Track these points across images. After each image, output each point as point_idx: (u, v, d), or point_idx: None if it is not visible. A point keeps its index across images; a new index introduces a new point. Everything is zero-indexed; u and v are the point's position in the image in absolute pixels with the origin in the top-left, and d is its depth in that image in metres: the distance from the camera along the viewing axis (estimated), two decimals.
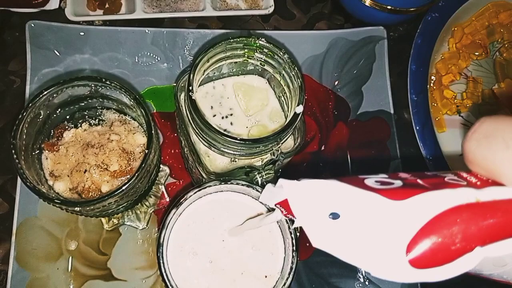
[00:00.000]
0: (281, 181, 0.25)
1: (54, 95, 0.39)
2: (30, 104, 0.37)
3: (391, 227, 0.20)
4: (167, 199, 0.55)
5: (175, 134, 0.57)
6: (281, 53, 0.41)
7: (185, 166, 0.56)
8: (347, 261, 0.22)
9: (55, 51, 0.56)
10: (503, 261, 0.24)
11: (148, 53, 0.58)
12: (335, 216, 0.21)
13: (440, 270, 0.20)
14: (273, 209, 0.30)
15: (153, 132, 0.38)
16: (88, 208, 0.37)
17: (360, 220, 0.21)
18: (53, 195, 0.38)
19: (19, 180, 0.51)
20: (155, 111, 0.58)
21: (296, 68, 0.41)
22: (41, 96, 0.38)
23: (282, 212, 0.27)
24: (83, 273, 0.51)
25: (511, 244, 0.20)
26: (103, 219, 0.52)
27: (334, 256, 0.52)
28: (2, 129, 0.56)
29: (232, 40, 0.41)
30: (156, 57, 0.58)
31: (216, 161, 0.43)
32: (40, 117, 0.40)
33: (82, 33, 0.57)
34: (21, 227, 0.51)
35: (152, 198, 0.54)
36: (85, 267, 0.52)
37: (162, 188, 0.55)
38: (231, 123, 0.48)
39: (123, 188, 0.36)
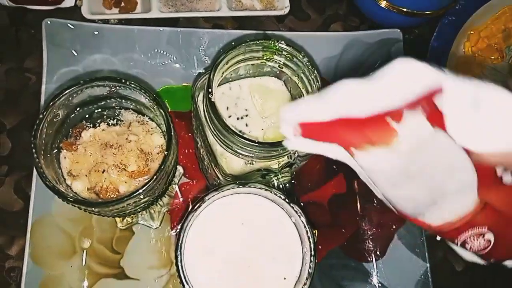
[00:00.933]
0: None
1: (74, 95, 0.39)
2: (51, 104, 0.37)
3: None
4: (181, 199, 0.55)
5: (190, 134, 0.57)
6: (301, 56, 0.41)
7: (199, 166, 0.56)
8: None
9: (72, 49, 0.56)
10: (434, 201, 0.28)
11: (164, 52, 0.58)
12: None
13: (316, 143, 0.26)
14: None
15: (172, 134, 0.38)
16: (106, 209, 0.37)
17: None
18: (72, 195, 0.38)
19: (34, 177, 0.51)
20: (169, 110, 0.58)
21: (315, 72, 0.41)
22: (61, 96, 0.38)
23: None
24: (96, 271, 0.52)
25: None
26: (117, 218, 0.52)
27: (346, 259, 0.53)
28: (16, 127, 0.56)
29: (251, 43, 0.41)
30: (171, 56, 0.58)
31: (233, 163, 0.43)
32: (59, 116, 0.40)
33: (97, 32, 0.57)
34: (36, 225, 0.51)
35: (165, 198, 0.54)
36: (98, 265, 0.52)
37: (176, 188, 0.55)
38: (246, 124, 0.47)
39: (143, 189, 0.36)
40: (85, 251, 0.52)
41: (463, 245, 0.29)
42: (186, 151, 0.57)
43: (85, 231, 0.53)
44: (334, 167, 0.59)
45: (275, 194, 0.39)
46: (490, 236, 0.29)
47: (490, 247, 0.29)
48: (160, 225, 0.53)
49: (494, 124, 0.24)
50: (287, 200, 0.38)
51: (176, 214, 0.55)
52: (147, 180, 0.38)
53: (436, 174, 0.28)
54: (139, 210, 0.42)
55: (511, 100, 0.24)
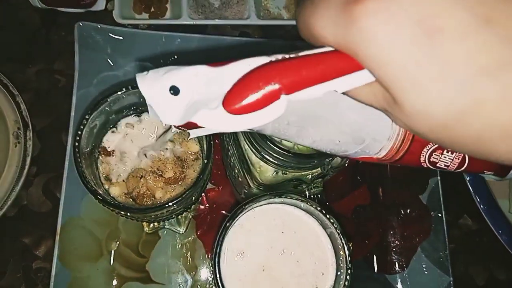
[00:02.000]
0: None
1: (116, 101, 0.39)
2: (95, 108, 0.38)
3: (214, 88, 0.24)
4: (206, 205, 0.56)
5: (216, 141, 0.57)
6: None
7: (225, 174, 0.56)
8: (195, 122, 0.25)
9: (103, 52, 0.57)
10: (361, 138, 0.27)
11: (192, 59, 0.59)
12: (175, 91, 0.24)
13: (255, 116, 0.23)
14: None
15: (212, 142, 0.38)
16: (145, 215, 0.38)
17: (192, 89, 0.24)
18: (110, 200, 0.39)
19: (64, 179, 0.52)
20: None
21: None
22: (106, 100, 0.38)
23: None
24: (122, 275, 0.52)
25: (311, 91, 0.23)
26: (144, 222, 0.53)
27: (369, 271, 0.52)
28: (46, 128, 0.57)
29: None
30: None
31: (266, 172, 0.44)
32: (99, 121, 0.40)
33: (125, 37, 0.58)
34: (65, 227, 0.51)
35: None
36: (124, 268, 0.52)
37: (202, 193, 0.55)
38: None
39: (183, 196, 0.37)
40: (112, 254, 0.52)
41: (434, 165, 0.29)
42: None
43: (112, 234, 0.53)
44: (358, 178, 0.59)
45: (311, 205, 0.39)
46: None
47: (462, 158, 0.28)
48: (186, 230, 0.54)
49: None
50: (323, 211, 0.39)
51: (202, 220, 0.55)
52: (185, 188, 0.38)
53: (335, 120, 0.27)
54: (173, 216, 0.42)
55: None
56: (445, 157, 0.28)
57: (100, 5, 0.62)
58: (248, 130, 0.28)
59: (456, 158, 0.28)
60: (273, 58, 0.23)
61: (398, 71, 0.19)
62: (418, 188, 0.58)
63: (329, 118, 0.26)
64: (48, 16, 0.62)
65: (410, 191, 0.58)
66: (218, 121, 0.24)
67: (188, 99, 0.24)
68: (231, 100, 0.23)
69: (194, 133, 0.30)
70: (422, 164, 0.29)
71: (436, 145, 0.28)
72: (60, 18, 0.62)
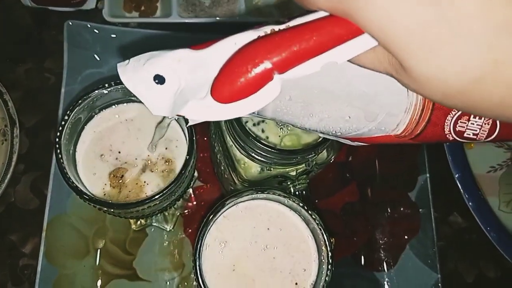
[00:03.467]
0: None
1: (99, 97, 0.39)
2: (76, 105, 0.38)
3: (201, 73, 0.22)
4: (194, 202, 0.56)
5: (205, 138, 0.57)
6: None
7: (214, 171, 0.56)
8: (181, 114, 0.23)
9: (92, 51, 0.57)
10: (374, 113, 0.25)
11: None
12: (160, 80, 0.22)
13: (248, 101, 0.21)
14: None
15: (194, 138, 0.38)
16: (126, 211, 0.38)
17: (178, 76, 0.22)
18: (91, 196, 0.39)
19: (51, 177, 0.52)
20: None
21: None
22: (86, 97, 0.38)
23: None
24: (109, 272, 0.52)
25: (307, 67, 0.20)
26: (131, 219, 0.53)
27: (358, 268, 0.51)
28: (35, 126, 0.57)
29: None
30: None
31: (251, 169, 0.44)
32: (81, 119, 0.40)
33: (115, 35, 0.58)
34: (51, 224, 0.51)
35: (180, 201, 0.54)
36: (111, 265, 0.52)
37: (190, 191, 0.56)
38: (263, 130, 0.48)
39: (163, 193, 0.37)
40: (98, 251, 0.52)
41: (461, 136, 0.25)
42: (201, 154, 0.57)
43: (99, 231, 0.53)
44: (348, 175, 0.59)
45: (293, 201, 0.39)
46: None
47: (492, 122, 0.25)
48: (173, 227, 0.54)
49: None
50: (305, 207, 0.39)
51: (189, 217, 0.55)
52: (167, 184, 0.38)
53: (341, 90, 0.24)
54: (156, 212, 0.42)
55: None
56: (472, 123, 0.25)
57: (90, 4, 0.62)
58: (248, 115, 0.26)
59: (485, 124, 0.25)
60: (261, 32, 0.21)
61: (403, 33, 0.17)
62: (407, 185, 0.58)
63: (335, 90, 0.24)
64: (39, 15, 0.62)
65: (399, 188, 0.58)
66: (209, 112, 0.22)
67: (175, 87, 0.22)
68: (219, 88, 0.21)
69: (192, 120, 0.28)
70: (448, 136, 0.26)
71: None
72: (51, 17, 0.62)
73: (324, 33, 0.20)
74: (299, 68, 0.20)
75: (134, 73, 0.23)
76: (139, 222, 0.53)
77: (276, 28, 0.21)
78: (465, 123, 0.25)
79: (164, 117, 0.37)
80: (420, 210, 0.56)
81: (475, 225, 0.55)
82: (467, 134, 0.25)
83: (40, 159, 0.55)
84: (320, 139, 0.41)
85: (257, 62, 0.20)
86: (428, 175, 0.58)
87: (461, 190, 0.55)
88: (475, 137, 0.25)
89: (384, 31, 0.17)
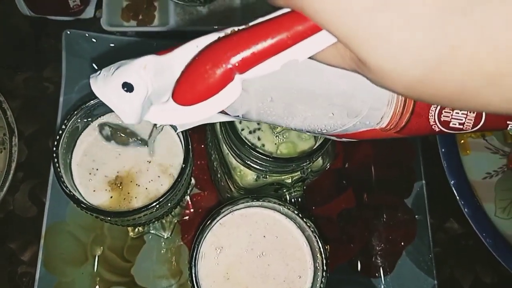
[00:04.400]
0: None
1: (96, 106, 0.40)
2: (73, 115, 0.38)
3: (166, 78, 0.22)
4: (191, 210, 0.56)
5: (202, 146, 0.58)
6: None
7: (211, 178, 0.57)
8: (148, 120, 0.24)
9: (90, 60, 0.58)
10: (357, 109, 0.24)
11: None
12: (129, 88, 0.22)
13: (210, 103, 0.21)
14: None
15: (190, 147, 0.39)
16: (123, 219, 0.38)
17: (146, 83, 0.22)
18: (88, 204, 0.39)
19: (49, 185, 0.52)
20: None
21: None
22: (83, 107, 0.39)
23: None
24: (107, 279, 0.52)
25: (267, 65, 0.20)
26: (128, 227, 0.53)
27: (354, 275, 0.50)
28: (33, 134, 0.58)
29: None
30: None
31: (247, 177, 0.44)
32: (79, 128, 0.41)
33: (114, 44, 0.58)
34: (49, 231, 0.52)
35: (177, 208, 0.54)
36: (109, 273, 0.52)
37: (187, 198, 0.56)
38: (259, 138, 0.48)
39: (160, 201, 0.37)
40: (96, 259, 0.52)
41: (447, 126, 0.25)
42: (199, 162, 0.58)
43: (97, 238, 0.53)
44: (344, 182, 0.59)
45: (288, 209, 0.39)
46: None
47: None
48: (171, 235, 0.54)
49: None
50: (300, 215, 0.39)
51: (187, 225, 0.55)
52: (163, 192, 0.39)
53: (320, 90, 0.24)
54: (153, 220, 0.43)
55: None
56: (457, 112, 0.24)
57: (89, 13, 0.63)
58: (234, 118, 0.26)
59: (470, 112, 0.24)
60: (221, 33, 0.21)
61: (351, 20, 0.16)
62: (403, 191, 0.58)
63: (315, 90, 0.24)
64: (38, 24, 0.63)
65: (395, 194, 0.58)
66: (171, 115, 0.22)
67: (143, 94, 0.22)
68: (180, 91, 0.21)
69: (181, 126, 0.28)
70: (434, 127, 0.25)
71: None
72: (49, 26, 0.63)
73: (283, 30, 0.19)
74: (260, 67, 0.20)
75: (104, 83, 0.23)
76: (136, 230, 0.53)
77: (237, 28, 0.20)
78: (449, 112, 0.24)
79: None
80: (416, 216, 0.57)
81: (472, 231, 0.55)
82: (452, 124, 0.24)
83: (38, 167, 0.56)
84: (315, 146, 0.42)
85: (216, 63, 0.20)
86: (424, 181, 0.58)
87: (457, 196, 0.55)
88: (461, 126, 0.25)
89: (333, 21, 0.17)
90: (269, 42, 0.19)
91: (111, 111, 0.42)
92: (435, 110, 0.24)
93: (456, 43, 0.15)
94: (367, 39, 0.16)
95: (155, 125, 0.39)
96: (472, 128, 0.25)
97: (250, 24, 0.20)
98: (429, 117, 0.24)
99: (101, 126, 0.40)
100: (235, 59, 0.20)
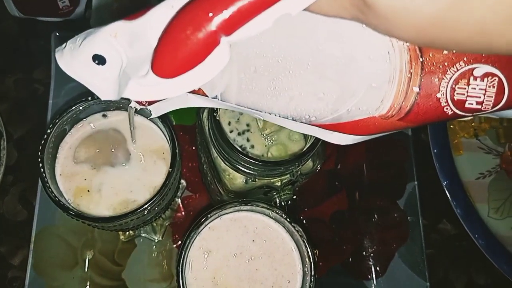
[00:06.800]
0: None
1: (81, 109, 0.39)
2: (58, 119, 0.38)
3: (141, 46, 0.19)
4: (183, 212, 0.56)
5: (194, 148, 0.57)
6: None
7: (202, 181, 0.56)
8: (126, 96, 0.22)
9: None
10: (352, 87, 0.21)
11: None
12: (101, 60, 0.20)
13: (195, 73, 0.18)
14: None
15: (177, 151, 0.39)
16: (109, 224, 0.38)
17: (119, 53, 0.20)
18: (74, 209, 0.39)
19: (39, 188, 0.52)
20: (174, 124, 0.58)
21: None
22: (69, 111, 0.38)
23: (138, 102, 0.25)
24: (97, 283, 0.52)
25: (257, 24, 0.17)
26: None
27: (347, 277, 0.49)
28: (23, 137, 0.57)
29: None
30: None
31: (235, 180, 0.44)
32: (66, 130, 0.40)
33: None
34: (39, 235, 0.51)
35: (168, 211, 0.54)
36: (99, 277, 0.52)
37: (178, 201, 0.56)
38: (248, 139, 0.48)
39: (147, 205, 0.37)
40: (87, 263, 0.52)
41: (462, 107, 0.20)
42: (190, 164, 0.57)
43: (88, 242, 0.53)
44: (337, 183, 0.59)
45: (277, 213, 0.39)
46: (485, 69, 0.19)
47: (498, 83, 0.20)
48: (162, 238, 0.54)
49: None
50: (288, 219, 0.39)
51: (178, 228, 0.55)
52: (151, 196, 0.38)
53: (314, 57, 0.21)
54: (142, 225, 0.42)
55: None
56: (473, 88, 0.20)
57: (78, 14, 0.62)
58: (211, 103, 0.23)
59: (490, 86, 0.20)
60: None
61: None
62: (396, 193, 0.58)
63: (303, 57, 0.20)
64: (27, 25, 0.62)
65: (388, 196, 0.58)
66: (153, 90, 0.20)
67: (118, 66, 0.20)
68: (160, 62, 0.19)
69: (155, 111, 0.24)
70: (446, 110, 0.21)
71: (457, 72, 0.20)
72: (39, 27, 0.62)
73: None
74: (248, 26, 0.17)
75: (72, 57, 0.20)
76: (127, 233, 0.53)
77: None
78: (464, 88, 0.20)
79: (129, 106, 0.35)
80: (409, 217, 0.56)
81: (465, 232, 0.55)
82: (469, 103, 0.20)
83: (28, 170, 0.55)
84: (305, 148, 0.41)
85: (197, 26, 0.17)
86: (416, 182, 0.58)
87: (449, 197, 0.55)
88: (479, 106, 0.20)
89: None
90: None
91: (98, 111, 0.42)
92: (447, 86, 0.20)
93: None
94: None
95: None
96: (492, 107, 0.20)
97: None
98: (440, 96, 0.20)
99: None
100: (219, 19, 0.17)
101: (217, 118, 0.39)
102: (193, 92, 0.23)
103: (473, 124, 0.63)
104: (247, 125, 0.48)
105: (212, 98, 0.22)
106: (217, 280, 0.38)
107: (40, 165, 0.36)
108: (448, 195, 0.55)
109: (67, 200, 0.38)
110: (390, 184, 0.58)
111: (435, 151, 0.57)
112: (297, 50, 0.20)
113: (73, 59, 0.20)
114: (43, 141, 0.37)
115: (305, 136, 0.47)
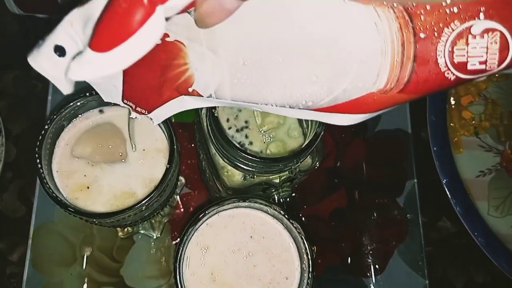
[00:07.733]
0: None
1: (78, 103, 0.39)
2: (55, 115, 0.38)
3: (90, 30, 0.19)
4: (182, 209, 0.56)
5: (193, 145, 0.57)
6: None
7: (201, 177, 0.56)
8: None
9: None
10: (344, 64, 0.20)
11: None
12: (61, 51, 0.20)
13: (130, 45, 0.18)
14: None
15: (175, 147, 0.38)
16: (107, 220, 0.38)
17: (76, 42, 0.20)
18: (71, 205, 0.39)
19: (37, 184, 0.52)
20: (173, 121, 0.58)
21: None
22: (66, 107, 0.38)
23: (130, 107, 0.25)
24: (96, 280, 0.52)
25: None
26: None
27: (346, 274, 0.49)
28: (22, 133, 0.57)
29: None
30: None
31: (234, 177, 0.44)
32: (65, 126, 0.40)
33: None
34: (38, 231, 0.51)
35: (167, 208, 0.54)
36: (98, 273, 0.52)
37: (177, 198, 0.55)
38: (246, 136, 0.48)
39: (145, 201, 0.37)
40: (85, 259, 0.52)
41: (464, 69, 0.19)
42: (189, 161, 0.57)
43: (86, 239, 0.53)
44: (336, 181, 0.59)
45: (275, 210, 0.39)
46: (484, 25, 0.18)
47: (501, 38, 0.18)
48: (160, 235, 0.54)
49: None
50: (286, 216, 0.39)
51: (177, 224, 0.55)
52: (149, 193, 0.38)
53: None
54: (140, 221, 0.42)
55: None
56: (474, 47, 0.18)
57: None
58: (207, 102, 0.22)
59: (491, 42, 0.18)
60: None
61: None
62: (395, 190, 0.57)
63: (288, 40, 0.20)
64: (27, 22, 0.62)
65: (387, 193, 0.57)
66: (91, 67, 0.19)
67: (75, 54, 0.20)
68: (96, 35, 0.18)
69: (156, 118, 0.24)
70: (447, 75, 0.19)
71: (453, 32, 0.18)
72: (38, 25, 0.62)
73: None
74: None
75: (39, 52, 0.21)
76: (126, 230, 0.53)
77: None
78: (464, 48, 0.18)
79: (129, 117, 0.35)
80: (408, 215, 0.56)
81: (465, 230, 0.54)
82: (471, 64, 0.19)
83: (27, 167, 0.55)
84: (304, 144, 0.41)
85: None
86: (416, 180, 0.57)
87: (449, 195, 0.55)
88: (483, 66, 0.19)
89: None
90: None
91: (95, 107, 0.42)
92: (444, 48, 0.19)
93: None
94: None
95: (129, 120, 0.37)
96: (498, 65, 0.19)
97: None
98: (438, 61, 0.19)
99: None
100: None
101: (216, 115, 0.39)
102: (188, 93, 0.23)
103: (473, 122, 0.63)
104: (246, 121, 0.48)
105: (207, 97, 0.22)
106: (215, 276, 0.38)
107: (38, 161, 0.36)
108: (448, 193, 0.55)
109: (65, 197, 0.38)
110: (390, 182, 0.58)
111: (435, 149, 0.57)
112: (280, 36, 0.19)
113: (39, 54, 0.21)
114: (40, 137, 0.37)
115: (304, 133, 0.47)
